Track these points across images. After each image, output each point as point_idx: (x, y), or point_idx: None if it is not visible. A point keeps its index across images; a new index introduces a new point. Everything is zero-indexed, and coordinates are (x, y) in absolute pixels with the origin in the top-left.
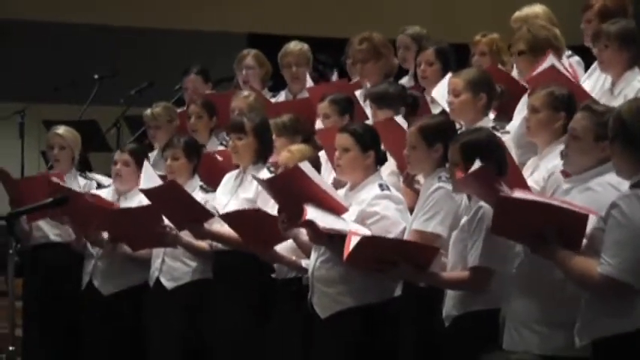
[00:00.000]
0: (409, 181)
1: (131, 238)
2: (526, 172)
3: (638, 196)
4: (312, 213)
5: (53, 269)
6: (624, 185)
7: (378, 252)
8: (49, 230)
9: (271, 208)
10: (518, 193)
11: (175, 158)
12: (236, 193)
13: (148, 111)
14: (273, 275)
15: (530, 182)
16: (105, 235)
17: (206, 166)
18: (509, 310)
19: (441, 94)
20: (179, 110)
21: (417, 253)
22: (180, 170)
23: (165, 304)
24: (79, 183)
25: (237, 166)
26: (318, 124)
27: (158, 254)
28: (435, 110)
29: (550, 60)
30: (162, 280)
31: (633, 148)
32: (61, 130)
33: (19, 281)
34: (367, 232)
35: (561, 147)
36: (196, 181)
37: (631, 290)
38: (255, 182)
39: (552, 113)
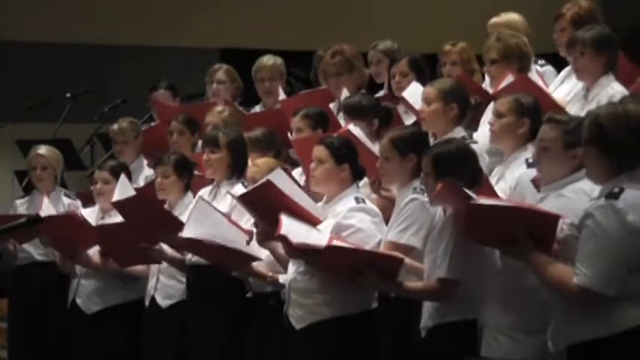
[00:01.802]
0: (376, 188)
1: (119, 255)
2: (492, 181)
3: (612, 207)
4: (287, 224)
5: (38, 288)
6: (596, 192)
7: (346, 261)
8: (34, 250)
9: (246, 222)
10: (484, 200)
11: (166, 176)
12: None
13: (115, 126)
14: (248, 295)
15: (497, 190)
16: (91, 252)
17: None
18: (486, 318)
19: (411, 94)
20: (146, 127)
21: (383, 262)
22: (172, 188)
23: (160, 322)
24: (63, 202)
25: (211, 181)
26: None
27: (154, 273)
28: (408, 121)
29: (509, 79)
30: (157, 298)
31: (608, 154)
32: (43, 149)
33: (4, 302)
34: (341, 243)
35: (525, 154)
36: (189, 198)
37: (606, 298)
38: (228, 196)
39: (517, 119)
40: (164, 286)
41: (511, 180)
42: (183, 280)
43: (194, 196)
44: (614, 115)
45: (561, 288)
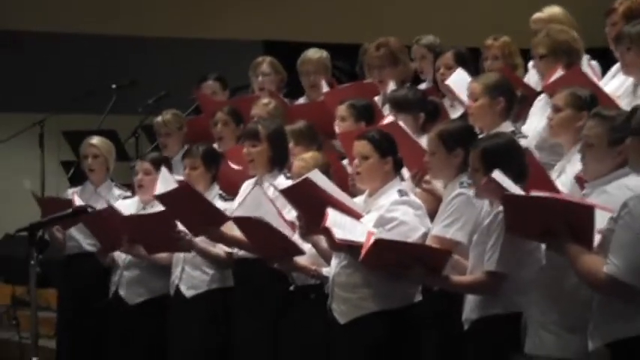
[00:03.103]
0: (418, 181)
1: (148, 242)
2: (553, 175)
3: None
4: (332, 217)
5: (87, 279)
6: None
7: (393, 254)
8: (83, 240)
9: (287, 213)
10: (518, 190)
11: (194, 167)
12: None
13: (159, 118)
14: (291, 288)
15: (558, 185)
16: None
17: (224, 174)
18: (530, 314)
19: (456, 81)
20: (189, 118)
21: (429, 256)
22: (199, 179)
23: (185, 312)
24: (113, 193)
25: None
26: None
27: (178, 262)
28: (453, 115)
29: (558, 72)
30: (182, 288)
31: None
32: (95, 140)
33: (50, 292)
34: (385, 235)
35: None
36: (215, 190)
37: (635, 291)
38: (271, 189)
39: (575, 112)
40: (189, 276)
41: (572, 174)
42: (209, 271)
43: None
44: None
45: (590, 278)
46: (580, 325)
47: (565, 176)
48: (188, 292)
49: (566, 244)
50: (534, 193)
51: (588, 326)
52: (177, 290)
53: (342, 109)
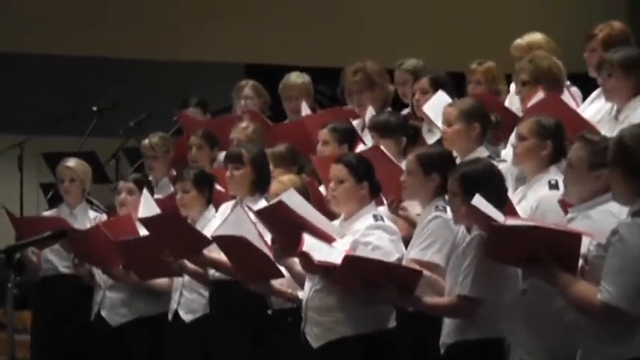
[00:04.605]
0: (394, 208)
1: (139, 268)
2: (514, 200)
3: (637, 225)
4: (310, 243)
5: (62, 300)
6: (624, 214)
7: (364, 273)
8: (58, 262)
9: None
10: (510, 221)
11: (186, 191)
12: None
13: (146, 141)
14: (268, 312)
15: (518, 210)
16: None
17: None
18: (513, 340)
19: (431, 107)
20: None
21: (401, 275)
22: (192, 203)
23: (183, 336)
24: (89, 216)
25: (233, 197)
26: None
27: (177, 287)
28: (430, 140)
29: (539, 95)
30: (181, 312)
31: (633, 176)
32: (72, 162)
33: (27, 314)
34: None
35: (548, 176)
36: (211, 212)
37: (630, 318)
38: (250, 213)
39: (539, 141)
40: (187, 300)
41: (533, 200)
42: (206, 294)
43: (216, 211)
44: (638, 136)
45: (584, 305)
46: (564, 350)
47: (526, 202)
48: (186, 317)
49: (555, 272)
50: (523, 223)
51: (578, 351)
52: (176, 315)
53: (324, 134)
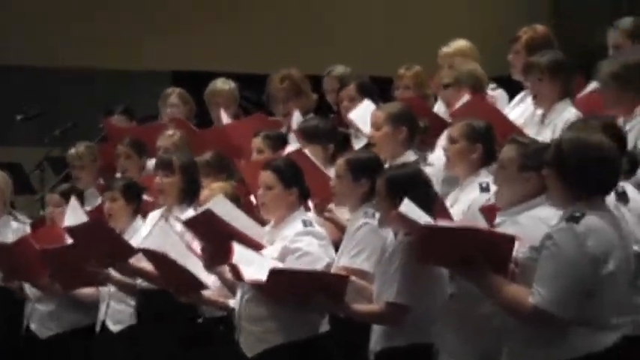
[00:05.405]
0: (320, 210)
1: (65, 278)
2: (447, 204)
3: (573, 230)
4: (240, 253)
5: None
6: (553, 220)
7: (292, 284)
8: None
9: (197, 246)
10: (441, 222)
11: (113, 200)
12: None
13: (72, 150)
14: (199, 320)
15: (452, 213)
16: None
17: None
18: (441, 344)
19: (358, 116)
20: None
21: (329, 283)
22: (120, 212)
23: (111, 347)
24: (11, 227)
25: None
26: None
27: (104, 298)
28: (357, 145)
29: (464, 98)
30: (108, 323)
31: (567, 181)
32: None
33: None
34: (283, 266)
35: (479, 179)
36: (139, 223)
37: (561, 321)
38: (178, 223)
39: (469, 144)
40: (114, 310)
41: (464, 204)
42: (133, 304)
43: (144, 221)
44: (575, 142)
45: (516, 308)
46: (493, 354)
47: (458, 206)
48: (114, 327)
49: (487, 274)
50: (453, 224)
51: (503, 353)
52: (104, 326)
53: (257, 142)
